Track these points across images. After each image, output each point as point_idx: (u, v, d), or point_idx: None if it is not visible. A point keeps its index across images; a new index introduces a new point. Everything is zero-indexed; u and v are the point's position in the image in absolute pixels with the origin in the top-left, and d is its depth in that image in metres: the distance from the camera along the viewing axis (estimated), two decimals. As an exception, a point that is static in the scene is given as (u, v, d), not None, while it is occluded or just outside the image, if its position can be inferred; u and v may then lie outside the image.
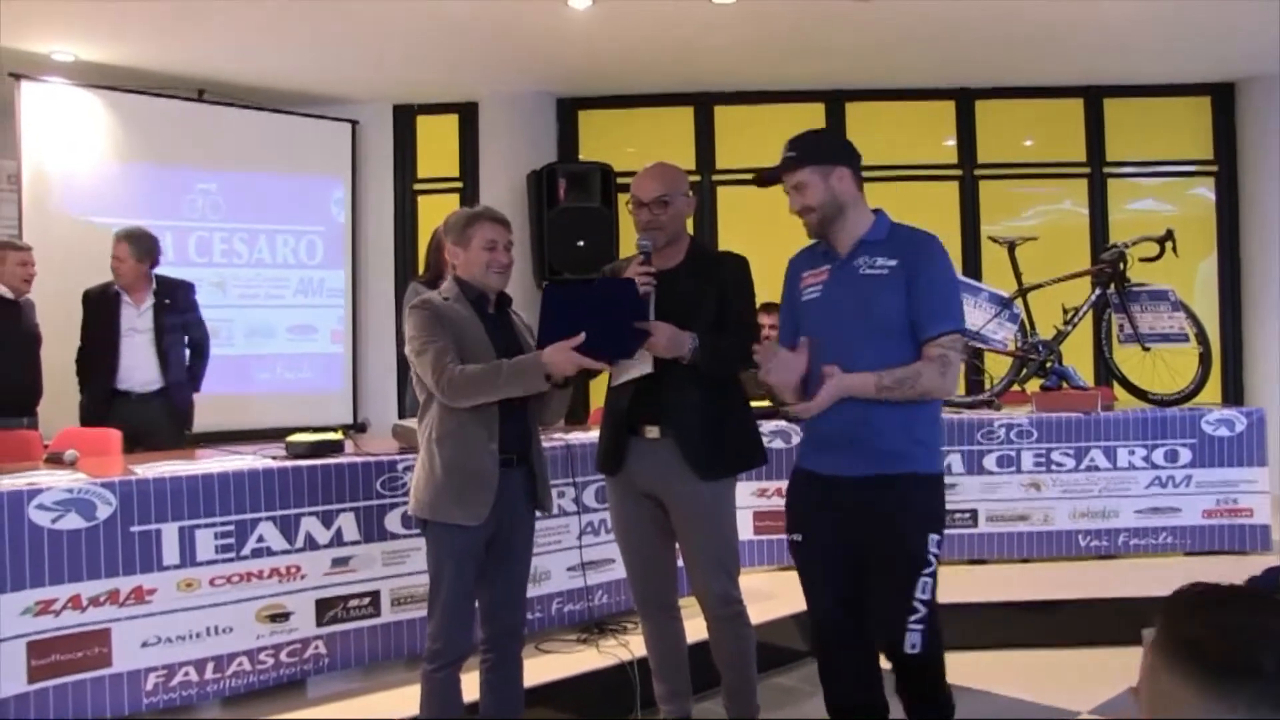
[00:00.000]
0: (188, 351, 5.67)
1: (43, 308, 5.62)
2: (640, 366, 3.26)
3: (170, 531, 3.58)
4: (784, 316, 3.17)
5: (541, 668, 4.08)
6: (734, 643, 3.41)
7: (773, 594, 5.24)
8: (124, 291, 5.45)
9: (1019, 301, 5.90)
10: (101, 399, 5.39)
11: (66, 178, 6.59)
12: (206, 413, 5.95)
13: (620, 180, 7.57)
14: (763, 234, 8.04)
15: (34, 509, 3.34)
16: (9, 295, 5.35)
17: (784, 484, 5.58)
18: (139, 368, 5.44)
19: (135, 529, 3.51)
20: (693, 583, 3.42)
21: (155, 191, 6.94)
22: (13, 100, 6.43)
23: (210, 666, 3.65)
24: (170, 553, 3.58)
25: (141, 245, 5.46)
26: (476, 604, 3.24)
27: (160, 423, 5.28)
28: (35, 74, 6.53)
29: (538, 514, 3.35)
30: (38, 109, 6.50)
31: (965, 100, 7.96)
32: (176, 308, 5.59)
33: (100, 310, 5.49)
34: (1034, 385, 5.98)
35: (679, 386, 3.25)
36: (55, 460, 4.06)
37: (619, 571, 4.73)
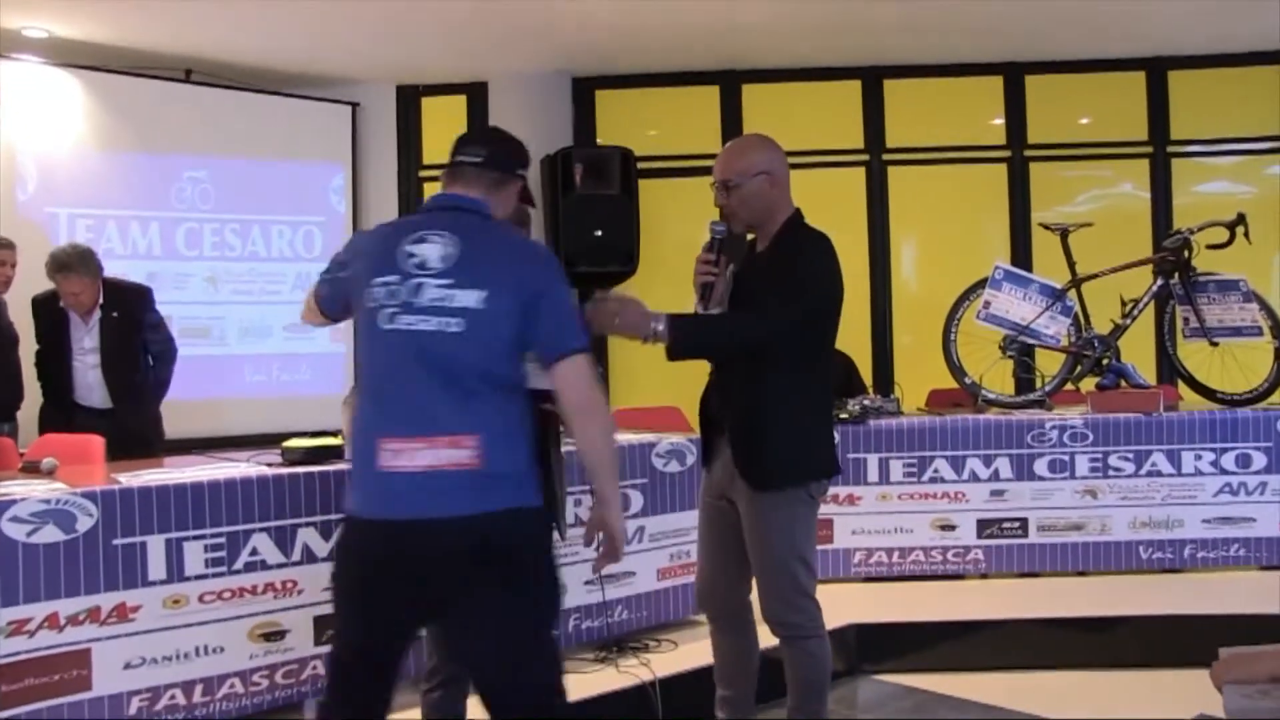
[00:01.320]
0: (152, 360, 5.61)
1: (16, 306, 5.63)
2: None
3: (156, 544, 3.56)
4: None
5: (556, 691, 4.05)
6: (791, 668, 3.35)
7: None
8: (70, 309, 5.40)
9: (1072, 293, 5.85)
10: (61, 412, 5.39)
11: (41, 166, 6.60)
12: (196, 417, 5.97)
13: (640, 165, 7.54)
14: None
15: (7, 521, 3.33)
16: (-19, 293, 5.36)
17: (846, 489, 5.65)
18: (93, 388, 5.44)
19: (118, 542, 3.50)
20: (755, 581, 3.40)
21: (139, 180, 6.95)
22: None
23: (199, 689, 3.63)
24: (156, 567, 3.56)
25: (93, 265, 5.34)
26: None
27: (121, 440, 5.12)
28: (5, 52, 6.53)
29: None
30: (9, 90, 6.50)
31: (1014, 75, 7.88)
32: (127, 320, 5.48)
33: (49, 325, 5.46)
34: (1089, 384, 5.92)
35: (734, 385, 3.26)
36: (32, 469, 4.06)
37: (640, 585, 4.73)
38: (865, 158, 7.84)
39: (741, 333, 3.21)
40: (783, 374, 3.21)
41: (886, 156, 7.81)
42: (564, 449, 3.15)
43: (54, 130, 6.66)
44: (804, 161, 7.68)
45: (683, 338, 3.13)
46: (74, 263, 5.29)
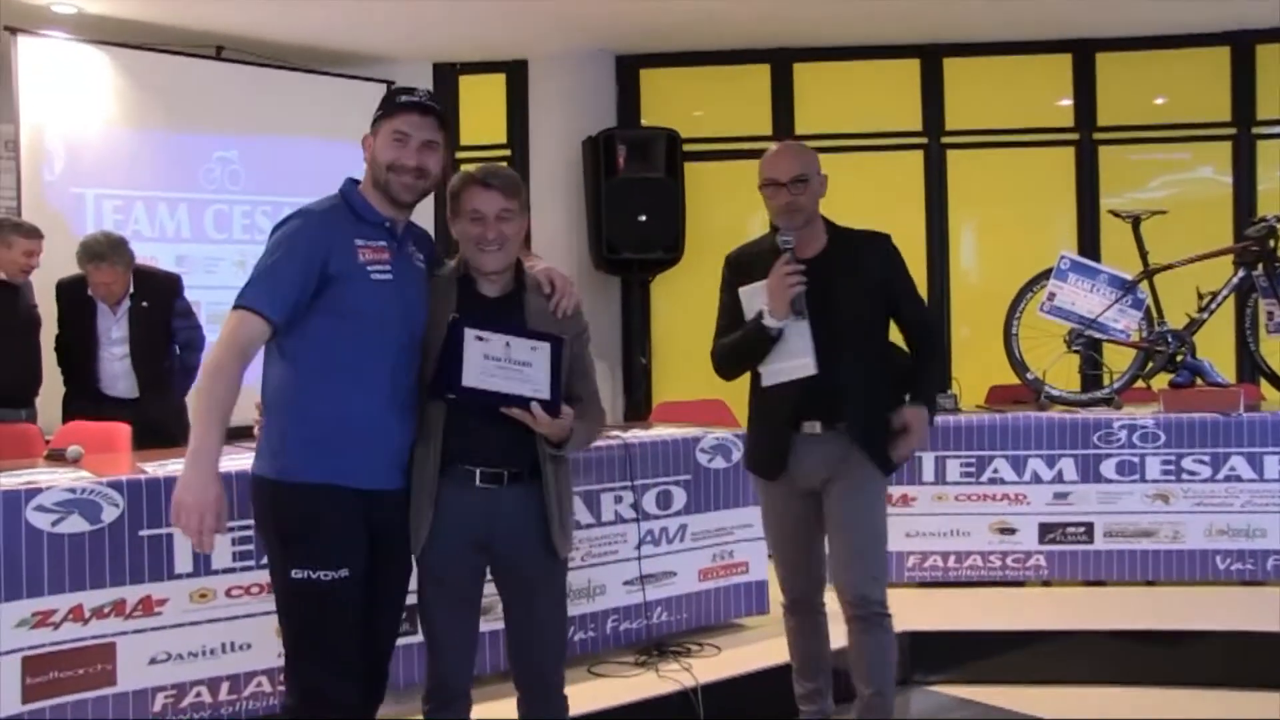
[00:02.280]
0: (179, 349, 5.68)
1: (39, 289, 5.73)
2: (803, 366, 3.45)
3: (183, 536, 3.62)
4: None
5: (593, 693, 4.09)
6: (874, 650, 3.55)
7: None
8: (99, 299, 5.48)
9: (1144, 285, 5.81)
10: (86, 401, 5.46)
11: (69, 145, 6.69)
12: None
13: (686, 147, 7.55)
14: (844, 207, 8.00)
15: (32, 510, 3.41)
16: (3, 277, 5.45)
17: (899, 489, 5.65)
18: (119, 378, 5.51)
19: (144, 533, 3.57)
20: (836, 579, 3.59)
21: (168, 160, 7.03)
22: (9, 57, 6.54)
23: (225, 686, 3.70)
24: (183, 560, 3.63)
25: (125, 254, 5.43)
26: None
27: (142, 431, 5.17)
28: (34, 28, 6.63)
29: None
30: (37, 67, 6.59)
31: (1084, 53, 7.81)
32: (158, 308, 5.56)
33: (76, 311, 5.52)
34: (1162, 381, 5.88)
35: (852, 376, 3.48)
36: (57, 457, 4.14)
37: (682, 586, 4.76)
38: (923, 140, 7.81)
39: (941, 354, 3.70)
40: (886, 362, 3.59)
41: (946, 139, 7.77)
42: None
43: (82, 109, 6.75)
44: (859, 145, 7.70)
45: (934, 403, 3.65)
46: (107, 252, 5.37)
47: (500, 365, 2.87)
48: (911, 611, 4.95)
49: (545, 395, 2.89)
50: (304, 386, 2.87)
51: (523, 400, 2.86)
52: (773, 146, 3.70)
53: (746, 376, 3.69)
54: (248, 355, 2.80)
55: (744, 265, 3.67)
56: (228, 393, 2.74)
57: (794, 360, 3.46)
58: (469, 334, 2.86)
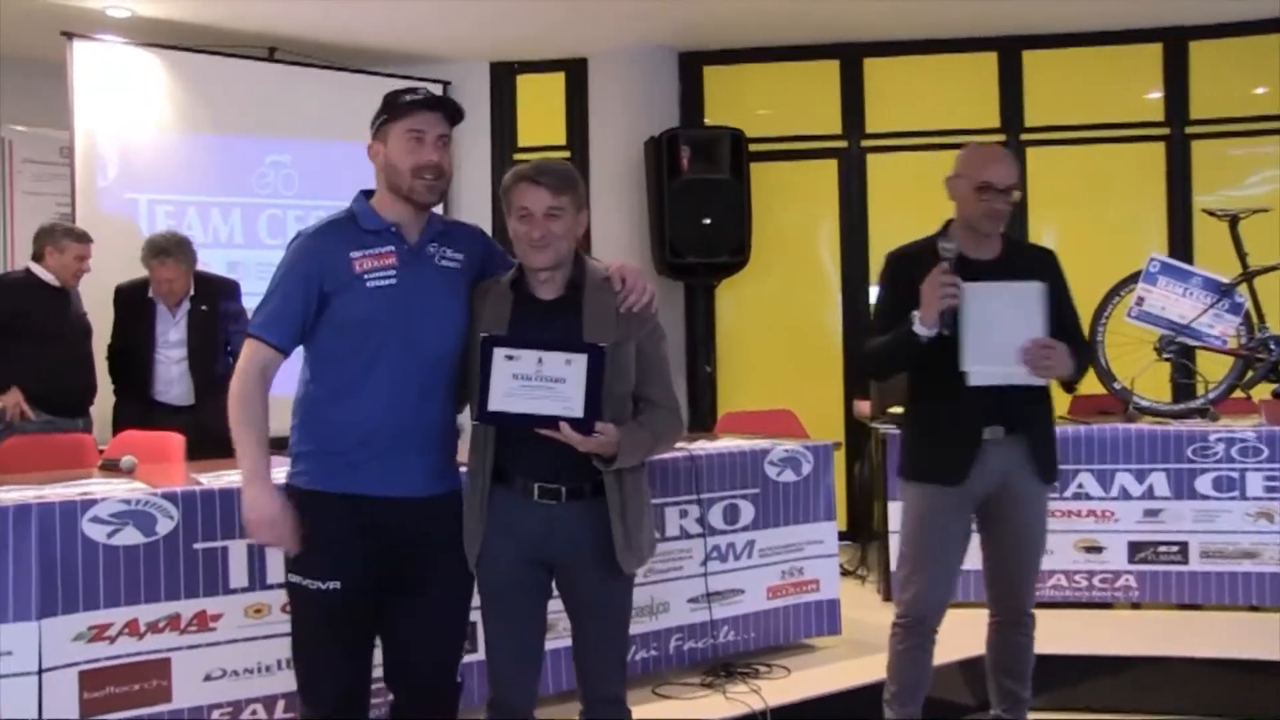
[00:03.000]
0: (231, 356, 5.79)
1: (91, 296, 5.86)
2: (1018, 373, 3.50)
3: (238, 550, 3.70)
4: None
5: (659, 715, 4.10)
6: (1028, 654, 3.86)
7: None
8: (160, 300, 5.63)
9: (1243, 288, 5.72)
10: (138, 409, 5.59)
11: (122, 150, 6.82)
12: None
13: (752, 148, 7.55)
14: (919, 208, 7.95)
15: (88, 522, 3.49)
16: (55, 283, 5.59)
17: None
18: (174, 382, 5.64)
19: (199, 546, 3.65)
20: (1001, 591, 3.81)
21: (221, 164, 7.15)
22: (64, 62, 6.69)
23: (281, 704, 3.76)
24: (238, 574, 3.70)
25: (189, 253, 5.63)
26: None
27: (195, 439, 5.26)
28: (88, 32, 6.79)
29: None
30: (91, 72, 6.74)
31: (1176, 42, 7.69)
32: (216, 313, 5.72)
33: (134, 315, 5.68)
34: (1263, 391, 5.77)
35: (1028, 385, 3.55)
36: (111, 467, 4.22)
37: (749, 604, 4.76)
38: (1001, 138, 7.73)
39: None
40: None
41: (1025, 136, 7.69)
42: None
43: (135, 113, 6.88)
44: (933, 143, 7.65)
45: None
46: (172, 248, 5.54)
47: (529, 384, 2.86)
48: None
49: (577, 413, 2.85)
50: (314, 397, 2.99)
51: (552, 420, 2.85)
52: (983, 144, 3.87)
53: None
54: (266, 377, 2.96)
55: (905, 263, 3.71)
56: (256, 415, 2.93)
57: (1007, 366, 3.49)
58: (498, 353, 2.88)
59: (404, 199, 2.99)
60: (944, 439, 3.65)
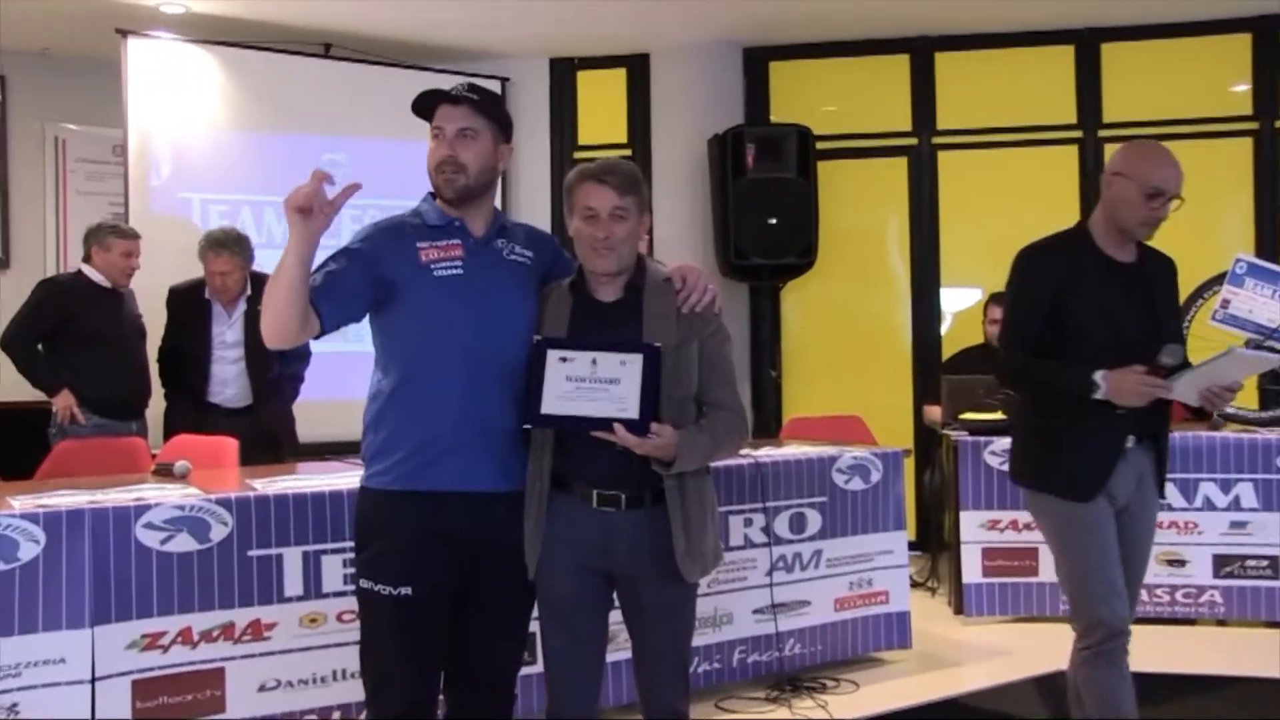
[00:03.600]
0: (283, 358, 5.84)
1: (144, 297, 5.93)
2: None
3: (293, 557, 3.73)
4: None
5: (722, 731, 4.08)
6: (1121, 678, 3.59)
7: (1007, 649, 5.15)
8: (216, 297, 5.69)
9: (1333, 290, 5.60)
10: (190, 412, 5.64)
11: (176, 149, 6.90)
12: (330, 420, 6.16)
13: (820, 145, 7.51)
14: (991, 208, 7.89)
15: (142, 528, 3.53)
16: (106, 284, 5.66)
17: (1020, 515, 5.55)
18: (229, 383, 5.68)
19: (253, 553, 3.67)
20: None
21: (275, 163, 7.20)
22: (118, 60, 6.78)
23: (336, 716, 3.78)
24: (293, 582, 3.73)
25: (246, 249, 5.69)
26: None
27: (251, 442, 5.39)
28: (143, 29, 6.87)
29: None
30: (145, 69, 6.82)
31: (1265, 31, 7.56)
32: None
33: (189, 316, 5.73)
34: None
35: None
36: (164, 472, 4.28)
37: (815, 617, 4.73)
38: (1078, 134, 7.65)
39: None
40: None
41: (1104, 132, 7.60)
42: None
43: (189, 111, 6.96)
44: (1007, 140, 7.59)
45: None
46: (229, 241, 5.61)
47: (583, 386, 2.86)
48: (1067, 647, 4.83)
49: (632, 414, 2.83)
50: (384, 393, 3.01)
51: (607, 423, 2.83)
52: (1148, 143, 3.71)
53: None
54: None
55: (1041, 261, 3.63)
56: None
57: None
58: (552, 355, 2.89)
59: (438, 195, 3.04)
60: (1085, 450, 3.54)
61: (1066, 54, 7.72)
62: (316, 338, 2.98)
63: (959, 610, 5.66)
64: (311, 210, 2.73)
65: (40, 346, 5.59)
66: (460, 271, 2.97)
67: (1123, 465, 3.50)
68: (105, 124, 7.36)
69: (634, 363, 2.86)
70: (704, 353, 3.01)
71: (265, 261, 6.53)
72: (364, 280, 2.94)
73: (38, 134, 7.74)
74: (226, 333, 5.66)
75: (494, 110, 3.05)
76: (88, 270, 5.69)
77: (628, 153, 7.95)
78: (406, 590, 2.90)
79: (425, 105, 3.03)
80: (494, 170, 3.04)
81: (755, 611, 4.59)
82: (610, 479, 2.96)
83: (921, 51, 7.85)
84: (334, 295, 2.90)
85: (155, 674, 3.52)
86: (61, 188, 7.82)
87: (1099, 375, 3.37)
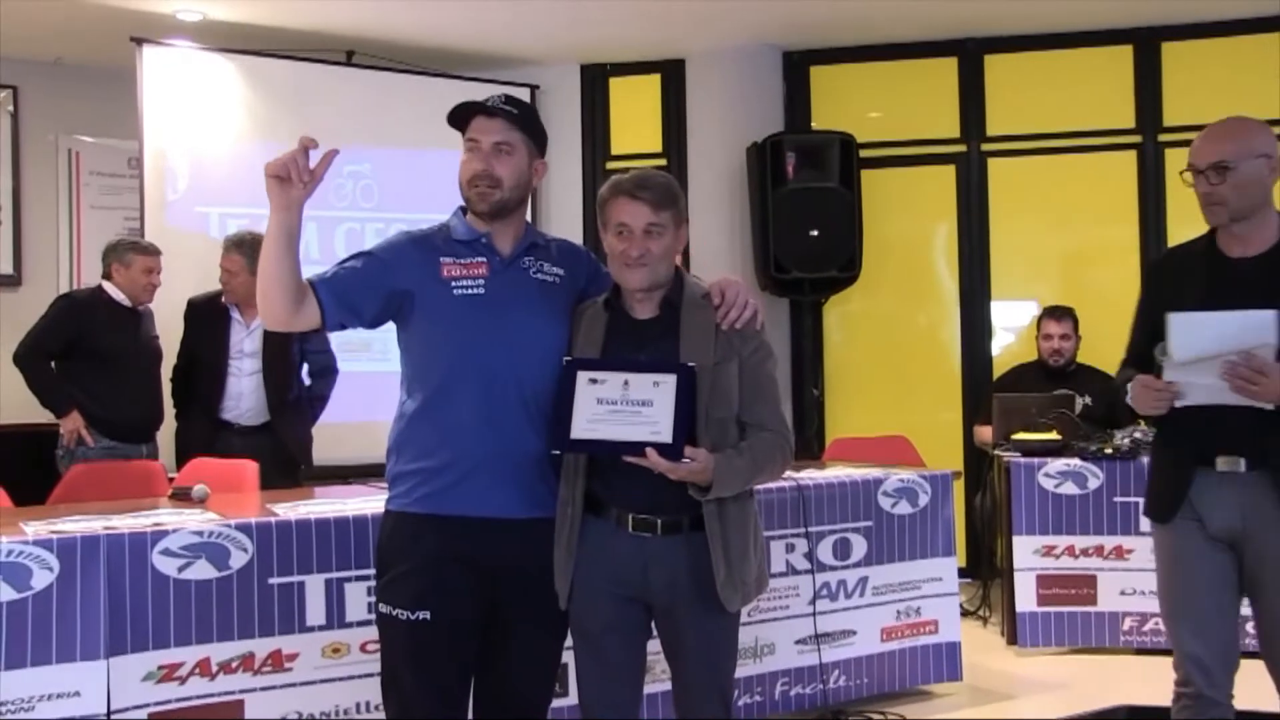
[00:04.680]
0: (309, 378, 5.93)
1: (162, 314, 6.01)
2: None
3: (315, 585, 3.75)
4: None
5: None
6: None
7: (1064, 682, 5.12)
8: (235, 306, 5.75)
9: None
10: (203, 430, 5.70)
11: (193, 161, 6.95)
12: (350, 442, 6.19)
13: (863, 153, 7.51)
14: (1044, 217, 7.86)
15: (158, 554, 3.55)
16: (126, 302, 5.73)
17: (1077, 540, 5.51)
18: (245, 397, 5.73)
19: (274, 581, 3.70)
20: (1268, 648, 3.37)
21: (296, 175, 7.26)
22: (133, 69, 6.84)
23: (359, 750, 3.79)
24: (315, 611, 3.75)
25: (258, 254, 5.73)
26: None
27: (265, 463, 5.39)
28: (159, 37, 6.93)
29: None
30: (161, 79, 6.88)
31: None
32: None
33: (207, 326, 5.80)
34: None
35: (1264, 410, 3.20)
36: (182, 496, 4.31)
37: (861, 647, 4.72)
38: (1137, 139, 7.61)
39: None
40: None
41: (1164, 136, 7.56)
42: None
43: (206, 122, 7.01)
44: (1061, 146, 7.57)
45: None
46: (242, 242, 5.69)
47: (615, 409, 2.87)
48: (1128, 682, 4.83)
49: (665, 438, 2.83)
50: (407, 414, 3.05)
51: (638, 447, 2.83)
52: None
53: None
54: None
55: (1159, 271, 3.57)
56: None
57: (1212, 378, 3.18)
58: (582, 377, 2.90)
59: (471, 209, 3.07)
60: (1160, 469, 3.48)
61: (1124, 54, 7.68)
62: (318, 332, 3.10)
63: (1012, 641, 5.63)
64: (289, 178, 2.81)
65: (54, 365, 5.65)
66: (482, 291, 3.00)
67: (1220, 489, 3.28)
68: (120, 136, 7.43)
69: (668, 383, 2.87)
70: (745, 371, 3.02)
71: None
72: (374, 283, 3.00)
73: (50, 146, 7.81)
74: (244, 342, 5.72)
75: (531, 124, 3.09)
76: (108, 288, 5.77)
77: (662, 162, 7.97)
78: (424, 614, 2.92)
79: (460, 116, 3.07)
80: (528, 186, 3.08)
81: (798, 642, 4.58)
82: (647, 503, 2.96)
83: (970, 54, 7.84)
84: (339, 290, 2.98)
85: (173, 707, 3.54)
86: (75, 202, 7.89)
87: (1131, 382, 3.31)
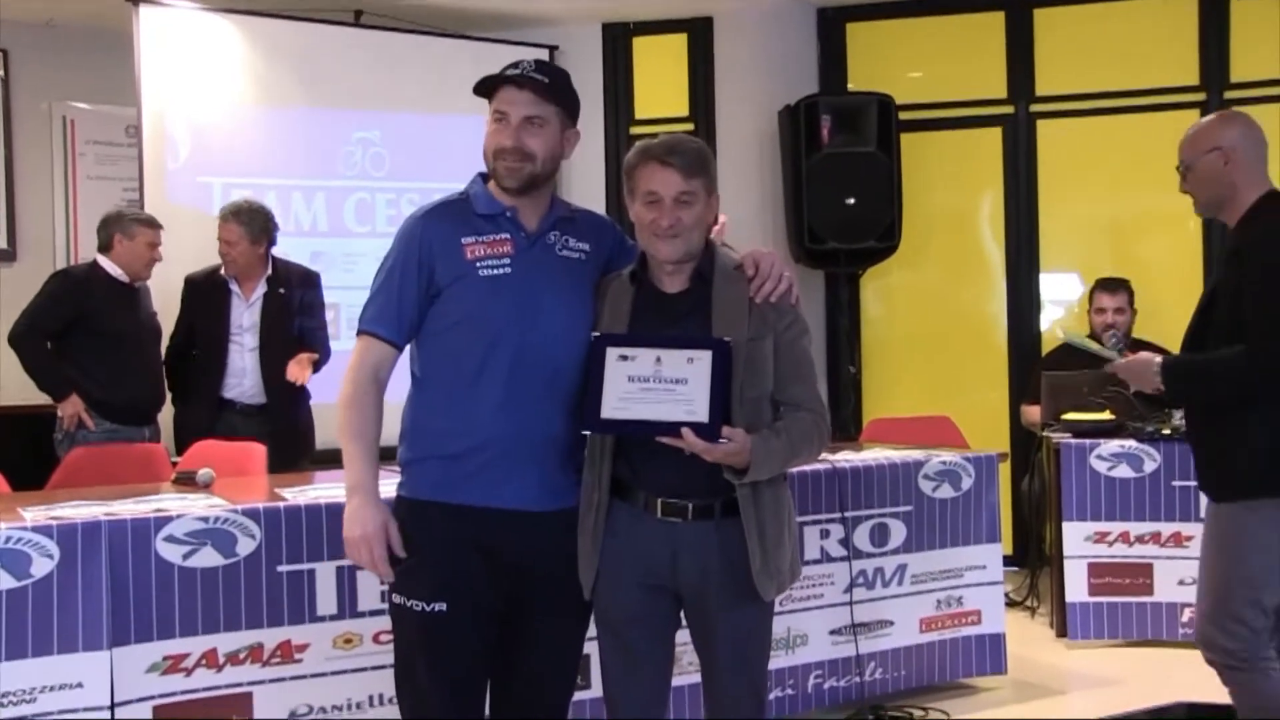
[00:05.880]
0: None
1: (160, 292, 6.07)
2: None
3: (326, 573, 3.81)
4: None
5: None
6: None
7: (1117, 677, 5.12)
8: (234, 279, 5.83)
9: None
10: (204, 410, 5.79)
11: (194, 129, 6.97)
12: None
13: (903, 116, 7.50)
14: (1097, 183, 7.84)
15: (162, 541, 3.62)
16: (124, 278, 5.78)
17: (1131, 526, 5.52)
18: (248, 374, 5.82)
19: (283, 568, 3.76)
20: None
21: (302, 143, 7.27)
22: (130, 31, 6.84)
23: (373, 745, 3.85)
24: (326, 599, 3.81)
25: (256, 223, 5.84)
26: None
27: (270, 444, 5.45)
28: (157, -2, 6.96)
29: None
30: (159, 41, 6.89)
31: None
32: (293, 301, 5.93)
33: (206, 302, 5.89)
34: None
35: None
36: (186, 481, 4.36)
37: (899, 638, 4.75)
38: (1200, 96, 7.56)
39: (1228, 381, 3.56)
40: None
41: (1231, 94, 7.49)
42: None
43: (207, 87, 7.02)
44: (1116, 106, 7.52)
45: (1172, 392, 3.77)
46: (239, 210, 5.81)
47: (647, 387, 2.89)
48: (1186, 677, 4.82)
49: (701, 417, 2.85)
50: (422, 400, 3.07)
51: (673, 427, 2.86)
52: None
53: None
54: (380, 380, 3.04)
55: None
56: (367, 422, 3.00)
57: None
58: (611, 353, 2.92)
59: (496, 182, 3.07)
60: None
61: (1188, 4, 7.62)
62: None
63: (1062, 633, 5.66)
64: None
65: (50, 345, 5.71)
66: (508, 270, 3.01)
67: None
68: (117, 102, 7.44)
69: (702, 360, 2.89)
70: (780, 348, 3.03)
71: (293, 250, 6.64)
72: (420, 293, 3.04)
73: (44, 114, 7.82)
74: (244, 317, 5.79)
75: (563, 93, 3.08)
76: (104, 262, 5.80)
77: (689, 127, 7.97)
78: (440, 606, 2.96)
79: (486, 86, 3.07)
80: (560, 158, 3.08)
81: (832, 632, 4.61)
82: (676, 486, 2.99)
83: (1018, 7, 7.79)
84: (402, 320, 3.05)
85: (178, 699, 3.61)
86: (70, 172, 7.91)
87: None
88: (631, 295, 3.07)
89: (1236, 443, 3.53)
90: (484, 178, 3.13)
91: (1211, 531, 3.62)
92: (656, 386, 2.89)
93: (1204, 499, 3.72)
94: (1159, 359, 3.74)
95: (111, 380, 5.70)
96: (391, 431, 3.08)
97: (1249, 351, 3.46)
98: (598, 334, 2.97)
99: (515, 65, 3.06)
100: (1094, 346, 4.63)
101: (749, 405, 2.97)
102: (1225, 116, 3.86)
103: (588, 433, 2.99)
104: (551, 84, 3.04)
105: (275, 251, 6.01)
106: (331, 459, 5.78)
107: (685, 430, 2.84)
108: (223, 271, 5.85)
